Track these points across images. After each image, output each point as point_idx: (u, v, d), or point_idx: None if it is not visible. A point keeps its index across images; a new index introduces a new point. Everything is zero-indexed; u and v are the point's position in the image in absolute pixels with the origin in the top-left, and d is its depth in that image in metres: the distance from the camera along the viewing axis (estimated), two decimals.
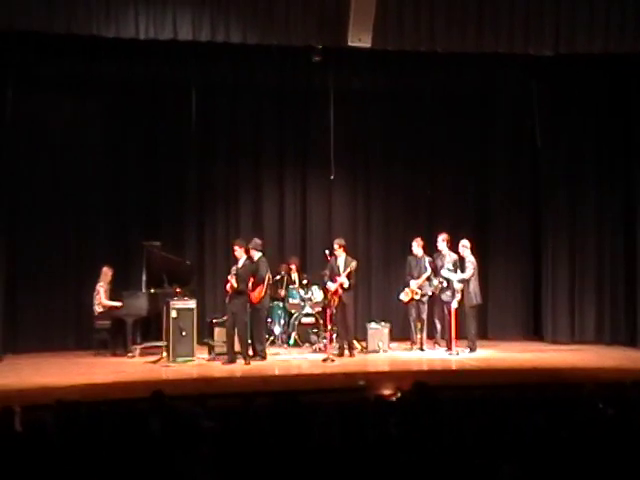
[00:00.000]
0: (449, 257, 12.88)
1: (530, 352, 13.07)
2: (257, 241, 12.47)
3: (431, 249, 13.40)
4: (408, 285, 13.00)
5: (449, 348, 12.66)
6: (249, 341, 12.08)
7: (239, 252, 12.11)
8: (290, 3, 11.28)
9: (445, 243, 12.99)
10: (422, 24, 11.57)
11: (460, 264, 12.80)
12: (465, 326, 12.82)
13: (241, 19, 11.23)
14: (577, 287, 14.11)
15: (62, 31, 10.83)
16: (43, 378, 10.53)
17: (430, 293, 13.03)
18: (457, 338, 12.69)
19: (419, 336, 13.10)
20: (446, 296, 12.79)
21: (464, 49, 11.81)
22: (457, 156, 14.80)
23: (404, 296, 13.03)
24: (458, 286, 12.65)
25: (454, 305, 12.66)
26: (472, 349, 12.76)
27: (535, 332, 14.52)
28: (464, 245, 12.90)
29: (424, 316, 13.05)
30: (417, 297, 12.96)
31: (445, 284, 12.77)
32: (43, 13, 10.63)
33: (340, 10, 11.19)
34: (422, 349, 13.00)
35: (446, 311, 12.84)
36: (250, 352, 12.02)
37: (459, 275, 12.65)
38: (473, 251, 12.90)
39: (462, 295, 12.68)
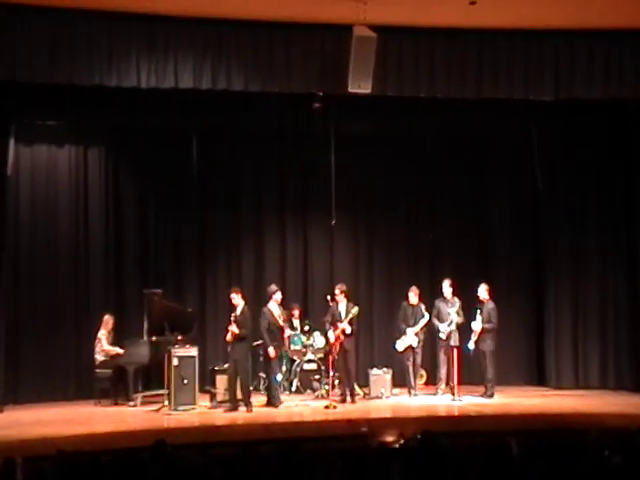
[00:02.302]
0: (457, 303, 12.95)
1: (534, 398, 13.07)
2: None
3: (434, 294, 13.47)
4: (404, 333, 13.02)
5: (453, 394, 12.66)
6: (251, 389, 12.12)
7: (237, 299, 12.17)
8: (291, 51, 11.46)
9: (451, 289, 13.09)
10: (421, 70, 11.74)
11: (480, 309, 12.92)
12: (485, 372, 12.92)
13: (242, 67, 11.40)
14: (580, 332, 14.09)
15: (64, 82, 11.02)
16: (44, 428, 10.50)
17: (423, 337, 13.07)
18: (460, 383, 12.70)
19: (417, 381, 13.15)
20: (454, 341, 12.82)
21: (464, 95, 11.96)
22: (458, 200, 14.90)
23: (400, 345, 13.05)
24: (477, 327, 12.71)
25: (471, 346, 12.76)
26: (491, 395, 12.82)
27: (539, 378, 14.48)
28: (487, 289, 13.02)
29: (419, 361, 13.13)
30: (415, 345, 12.98)
31: (454, 329, 12.81)
32: (45, 64, 10.81)
33: (340, 57, 11.33)
34: (416, 394, 13.00)
35: (449, 356, 12.84)
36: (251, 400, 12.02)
37: (491, 324, 12.84)
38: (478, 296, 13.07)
39: (478, 339, 12.81)
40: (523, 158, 14.61)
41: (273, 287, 12.66)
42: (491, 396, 12.83)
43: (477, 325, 12.79)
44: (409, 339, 12.97)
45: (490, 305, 12.98)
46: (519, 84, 11.83)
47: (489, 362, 12.89)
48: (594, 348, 14.01)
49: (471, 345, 12.85)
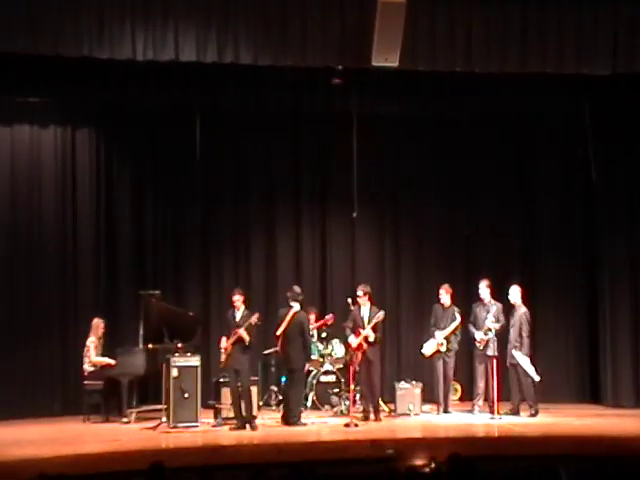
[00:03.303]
0: (495, 307, 12.89)
1: (587, 417, 12.95)
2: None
3: (469, 297, 13.42)
4: (433, 336, 13.01)
5: (492, 411, 12.62)
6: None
7: (239, 302, 12.16)
8: (306, 20, 11.43)
9: (488, 290, 13.02)
10: (457, 41, 11.69)
11: (511, 314, 12.88)
12: (523, 387, 12.81)
13: (251, 38, 11.39)
14: None
15: (48, 53, 11.04)
16: (25, 449, 10.48)
17: (457, 347, 13.08)
18: (500, 399, 12.64)
19: (450, 397, 13.14)
20: (493, 350, 12.77)
21: (505, 69, 11.90)
22: (498, 191, 14.85)
23: (427, 349, 13.03)
24: (523, 360, 12.70)
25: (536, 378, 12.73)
26: (534, 414, 12.77)
27: (592, 394, 14.42)
28: (520, 292, 12.98)
29: (451, 373, 13.08)
30: (443, 349, 12.95)
31: (492, 337, 12.75)
32: (26, 33, 10.81)
33: (363, 27, 11.31)
34: (447, 411, 12.99)
35: (487, 367, 12.80)
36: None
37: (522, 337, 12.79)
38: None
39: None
40: (574, 144, 14.55)
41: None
42: (535, 414, 12.77)
43: (523, 358, 12.69)
44: (437, 342, 12.94)
45: (522, 310, 12.90)
46: (570, 56, 11.74)
47: (527, 375, 12.80)
48: None
49: (536, 378, 12.75)
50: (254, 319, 11.94)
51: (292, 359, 12.27)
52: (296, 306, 12.33)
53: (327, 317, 13.75)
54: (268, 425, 12.12)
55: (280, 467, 7.79)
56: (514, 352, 12.66)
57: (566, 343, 14.60)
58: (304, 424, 12.10)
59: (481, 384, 12.99)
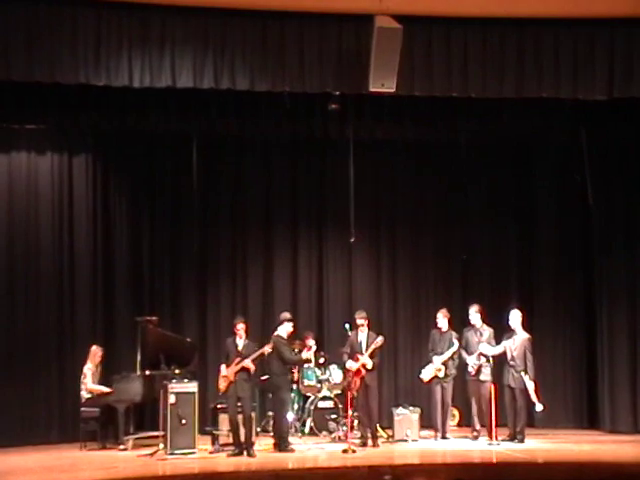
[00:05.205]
0: (487, 332, 12.88)
1: (585, 443, 12.92)
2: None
3: (466, 321, 13.42)
4: (431, 361, 12.99)
5: (489, 437, 12.57)
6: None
7: (243, 330, 12.14)
8: (304, 46, 11.47)
9: (479, 315, 13.01)
10: (454, 66, 11.74)
11: (511, 337, 12.81)
12: (516, 412, 12.74)
13: (248, 64, 11.42)
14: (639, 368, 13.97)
15: (45, 80, 11.06)
16: (21, 477, 10.46)
17: (454, 372, 13.07)
18: (498, 425, 12.59)
19: (447, 422, 13.09)
20: (485, 375, 12.76)
21: (502, 94, 11.92)
22: (496, 216, 14.88)
23: (425, 374, 13.01)
24: (531, 386, 12.63)
25: (539, 408, 12.66)
26: (521, 440, 12.70)
27: (590, 420, 14.39)
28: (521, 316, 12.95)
29: (449, 399, 13.04)
30: (441, 375, 12.92)
31: (484, 362, 12.74)
32: (23, 60, 10.83)
33: (360, 52, 11.36)
34: (445, 437, 12.96)
35: (484, 393, 12.75)
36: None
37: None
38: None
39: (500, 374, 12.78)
40: (571, 167, 14.54)
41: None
42: (522, 440, 12.70)
43: (530, 384, 12.62)
44: (435, 367, 12.92)
45: (525, 336, 12.81)
46: (566, 81, 11.77)
47: (523, 400, 12.74)
48: None
49: (539, 407, 12.69)
50: (267, 350, 11.97)
51: (272, 381, 12.36)
52: (279, 330, 12.33)
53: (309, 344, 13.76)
54: (266, 451, 12.08)
55: None
56: (523, 376, 12.58)
57: (564, 368, 14.57)
58: (292, 450, 12.07)
59: (474, 410, 12.96)
